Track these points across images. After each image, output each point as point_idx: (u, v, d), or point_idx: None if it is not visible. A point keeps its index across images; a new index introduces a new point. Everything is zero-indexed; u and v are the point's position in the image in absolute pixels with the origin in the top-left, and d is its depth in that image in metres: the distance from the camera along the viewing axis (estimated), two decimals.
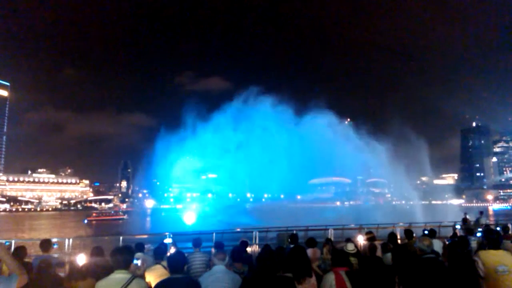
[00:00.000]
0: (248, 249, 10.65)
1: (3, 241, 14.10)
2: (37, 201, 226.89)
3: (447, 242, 10.37)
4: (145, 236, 24.72)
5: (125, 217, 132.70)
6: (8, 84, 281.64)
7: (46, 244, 8.40)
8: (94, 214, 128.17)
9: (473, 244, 10.74)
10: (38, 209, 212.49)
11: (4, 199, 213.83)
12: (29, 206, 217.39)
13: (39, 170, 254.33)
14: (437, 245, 9.31)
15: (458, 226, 20.12)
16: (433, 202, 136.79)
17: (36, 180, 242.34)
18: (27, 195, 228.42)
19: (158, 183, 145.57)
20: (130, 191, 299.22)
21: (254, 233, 17.80)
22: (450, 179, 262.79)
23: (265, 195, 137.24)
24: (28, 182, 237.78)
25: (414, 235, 10.50)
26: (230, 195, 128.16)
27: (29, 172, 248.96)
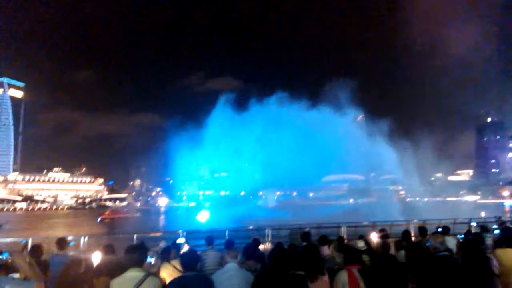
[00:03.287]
0: (261, 247, 10.67)
1: (20, 240, 14.39)
2: (53, 200, 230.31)
3: (461, 240, 10.25)
4: (159, 234, 24.96)
5: (138, 215, 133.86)
6: (23, 84, 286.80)
7: (62, 242, 8.50)
8: (107, 213, 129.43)
9: (488, 241, 10.59)
10: (54, 208, 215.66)
11: (20, 198, 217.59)
12: (45, 205, 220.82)
13: (55, 169, 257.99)
14: (451, 243, 9.20)
15: (473, 223, 19.84)
16: (448, 198, 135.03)
17: (52, 179, 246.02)
18: (43, 194, 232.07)
19: (171, 181, 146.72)
20: (143, 190, 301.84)
21: (266, 230, 17.83)
22: (464, 175, 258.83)
23: (277, 193, 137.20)
24: (44, 181, 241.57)
25: (428, 232, 10.41)
26: (242, 193, 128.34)
27: (45, 171, 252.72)
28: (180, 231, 16.42)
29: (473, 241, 8.46)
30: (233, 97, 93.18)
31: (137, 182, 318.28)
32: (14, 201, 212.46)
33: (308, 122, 76.87)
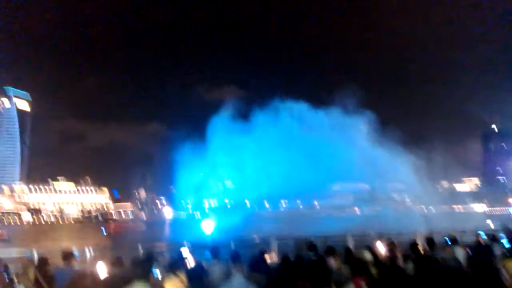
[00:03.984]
0: (267, 258, 10.58)
1: (26, 253, 14.40)
2: (59, 211, 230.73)
3: (469, 251, 10.11)
4: (164, 245, 24.87)
5: (142, 226, 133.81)
6: (29, 95, 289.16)
7: (68, 256, 8.46)
8: (112, 224, 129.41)
9: (497, 251, 10.43)
10: (60, 219, 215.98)
11: (26, 210, 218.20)
12: (51, 217, 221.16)
13: (60, 179, 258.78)
14: (460, 254, 9.08)
15: (481, 233, 19.58)
16: (454, 207, 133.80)
17: (58, 190, 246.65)
18: (49, 206, 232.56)
19: (175, 192, 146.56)
20: (149, 200, 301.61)
21: (272, 242, 17.72)
22: (471, 183, 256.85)
23: (283, 203, 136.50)
24: (49, 191, 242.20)
25: (435, 243, 10.28)
26: (247, 202, 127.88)
27: (50, 181, 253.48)
28: (185, 242, 16.35)
29: (482, 252, 8.35)
30: (237, 106, 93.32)
31: (142, 192, 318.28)
32: (20, 213, 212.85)
33: (314, 130, 76.95)
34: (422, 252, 10.72)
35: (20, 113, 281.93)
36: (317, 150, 74.78)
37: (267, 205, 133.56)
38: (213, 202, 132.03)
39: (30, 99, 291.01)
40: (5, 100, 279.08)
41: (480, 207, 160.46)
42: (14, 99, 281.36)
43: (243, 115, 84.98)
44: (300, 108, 79.79)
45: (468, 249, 10.62)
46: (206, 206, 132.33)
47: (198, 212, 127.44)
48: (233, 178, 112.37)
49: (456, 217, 70.05)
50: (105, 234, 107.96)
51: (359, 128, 79.19)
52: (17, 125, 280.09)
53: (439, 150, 78.95)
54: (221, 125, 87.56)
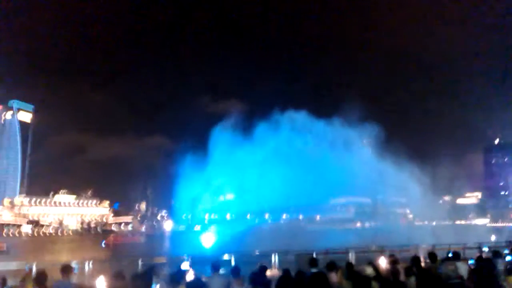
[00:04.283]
0: (268, 273, 10.48)
1: (24, 265, 14.29)
2: (58, 224, 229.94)
3: (472, 266, 10.00)
4: (163, 259, 24.65)
5: (142, 239, 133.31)
6: (32, 107, 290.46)
7: (66, 269, 8.38)
8: (112, 237, 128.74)
9: (500, 267, 10.31)
10: (59, 232, 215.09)
11: (26, 222, 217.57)
12: (50, 229, 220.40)
13: (61, 191, 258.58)
14: (462, 269, 8.97)
15: (485, 248, 19.42)
16: (457, 222, 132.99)
17: (58, 202, 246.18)
18: (49, 218, 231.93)
19: (176, 205, 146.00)
20: (149, 213, 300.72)
21: (273, 256, 17.58)
22: (473, 198, 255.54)
23: (284, 216, 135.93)
24: (50, 204, 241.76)
25: (437, 257, 10.17)
26: (248, 216, 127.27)
27: (51, 194, 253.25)
28: (185, 256, 16.23)
29: (485, 267, 8.25)
30: (238, 118, 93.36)
31: (143, 205, 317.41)
32: (19, 225, 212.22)
33: (316, 142, 76.89)
34: (424, 266, 10.62)
35: (23, 125, 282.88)
36: (319, 162, 74.62)
37: (267, 218, 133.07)
38: (214, 215, 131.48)
39: (33, 111, 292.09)
40: (8, 112, 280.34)
41: (483, 222, 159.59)
42: (18, 112, 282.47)
43: (244, 127, 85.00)
44: (302, 118, 79.72)
45: (471, 264, 10.52)
46: (206, 219, 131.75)
47: (198, 225, 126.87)
48: (234, 190, 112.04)
49: (459, 231, 69.40)
50: (104, 246, 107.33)
51: (361, 140, 79.12)
52: (19, 138, 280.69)
53: (443, 164, 78.66)
54: (222, 138, 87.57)
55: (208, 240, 72.28)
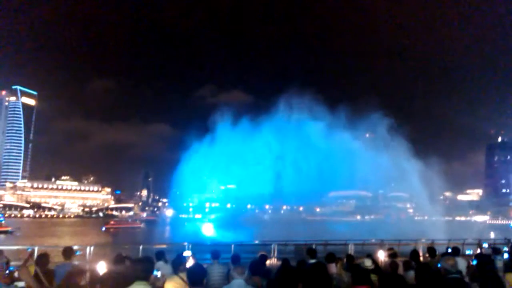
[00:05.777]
0: (267, 262, 10.55)
1: (26, 248, 14.42)
2: (60, 207, 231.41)
3: (471, 261, 10.04)
4: (164, 246, 24.80)
5: (142, 226, 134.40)
6: (35, 93, 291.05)
7: (68, 252, 8.50)
8: (112, 222, 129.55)
9: (499, 264, 10.34)
10: (61, 215, 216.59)
11: (28, 205, 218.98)
12: (52, 212, 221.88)
13: (63, 177, 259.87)
14: (461, 264, 9.01)
15: (485, 245, 19.46)
16: (457, 218, 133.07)
17: (60, 187, 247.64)
18: (51, 202, 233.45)
19: (178, 193, 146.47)
20: (150, 200, 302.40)
21: (272, 246, 17.67)
22: (474, 195, 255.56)
23: (284, 207, 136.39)
24: (52, 189, 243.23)
25: (437, 252, 10.21)
26: (249, 206, 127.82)
27: (53, 179, 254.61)
28: (186, 243, 16.32)
29: (484, 263, 8.27)
30: (241, 108, 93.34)
31: (144, 192, 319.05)
32: (22, 208, 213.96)
33: (317, 136, 76.53)
34: (423, 261, 10.66)
35: (27, 110, 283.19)
36: (321, 155, 74.44)
37: (268, 209, 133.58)
38: (215, 204, 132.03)
39: (37, 97, 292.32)
40: (11, 97, 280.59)
41: (482, 219, 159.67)
42: (21, 97, 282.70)
43: (247, 117, 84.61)
44: (305, 109, 79.21)
45: (469, 260, 10.55)
46: (207, 207, 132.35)
47: (199, 214, 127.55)
48: (235, 180, 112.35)
49: (458, 227, 69.50)
50: (104, 230, 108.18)
51: (364, 137, 78.73)
52: (22, 122, 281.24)
53: (444, 161, 78.39)
54: (224, 127, 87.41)
55: (208, 228, 72.76)
